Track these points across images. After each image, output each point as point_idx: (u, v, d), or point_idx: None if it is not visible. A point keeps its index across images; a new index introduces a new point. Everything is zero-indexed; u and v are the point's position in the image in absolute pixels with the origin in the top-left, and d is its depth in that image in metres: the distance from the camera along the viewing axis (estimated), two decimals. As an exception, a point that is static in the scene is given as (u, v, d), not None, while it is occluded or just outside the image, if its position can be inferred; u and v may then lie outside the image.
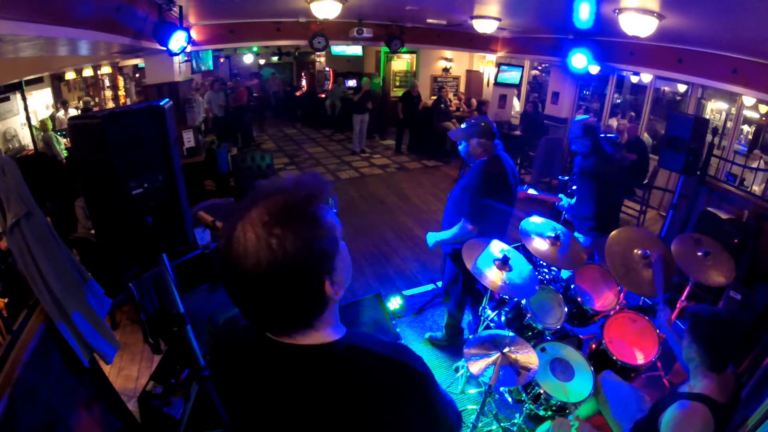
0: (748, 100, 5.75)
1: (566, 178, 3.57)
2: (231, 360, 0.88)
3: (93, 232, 2.87)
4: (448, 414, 0.91)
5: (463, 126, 2.76)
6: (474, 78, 10.97)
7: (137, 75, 10.28)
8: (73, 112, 7.40)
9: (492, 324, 2.82)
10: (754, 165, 5.99)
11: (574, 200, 3.38)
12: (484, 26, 6.01)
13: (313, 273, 0.74)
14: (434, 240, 2.90)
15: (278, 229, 0.69)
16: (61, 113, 7.33)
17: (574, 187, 3.39)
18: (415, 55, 11.66)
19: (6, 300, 1.94)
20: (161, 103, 1.79)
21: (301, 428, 0.79)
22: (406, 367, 0.82)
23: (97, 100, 9.02)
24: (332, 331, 0.81)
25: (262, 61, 14.28)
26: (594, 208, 3.18)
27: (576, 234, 3.02)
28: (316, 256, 0.73)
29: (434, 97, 9.76)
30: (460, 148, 2.78)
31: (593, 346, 2.66)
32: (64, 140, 6.34)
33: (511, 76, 8.76)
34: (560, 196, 3.63)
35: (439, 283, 4.04)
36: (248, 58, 13.97)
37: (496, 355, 2.18)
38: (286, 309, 0.75)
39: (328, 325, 0.81)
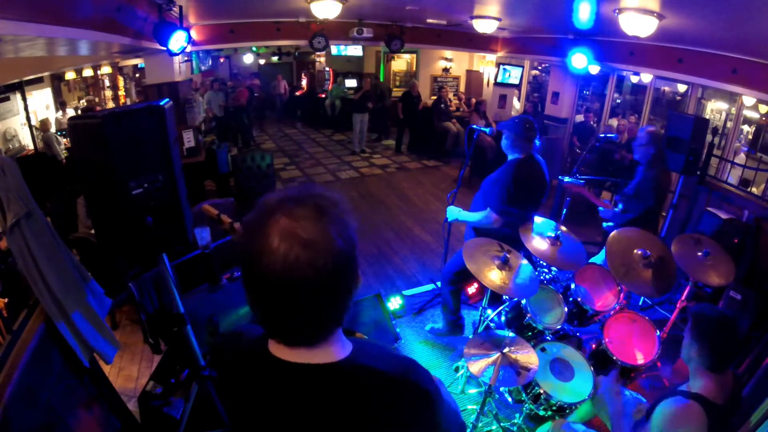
0: (748, 100, 5.75)
1: (623, 182, 3.45)
2: (236, 379, 0.88)
3: (93, 231, 2.87)
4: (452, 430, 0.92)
5: (508, 120, 2.86)
6: (474, 78, 10.97)
7: (137, 75, 10.29)
8: (71, 112, 7.40)
9: (492, 324, 2.82)
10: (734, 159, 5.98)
11: (619, 208, 3.30)
12: (484, 26, 6.01)
13: (356, 270, 0.76)
14: (455, 216, 3.03)
15: (334, 228, 0.70)
16: (59, 114, 7.33)
17: (624, 198, 3.31)
18: (415, 55, 11.67)
19: (6, 300, 1.94)
20: (161, 103, 1.78)
21: None
22: (415, 386, 0.82)
23: (97, 100, 9.02)
24: (341, 347, 0.80)
25: (262, 61, 14.28)
26: (641, 220, 3.08)
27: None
28: (355, 255, 0.75)
29: (434, 97, 9.76)
30: (503, 143, 2.87)
31: (593, 346, 2.67)
32: (64, 140, 6.34)
33: (511, 76, 8.76)
34: (606, 201, 3.50)
35: (439, 283, 4.04)
36: (248, 58, 13.97)
37: (496, 355, 2.18)
38: (328, 313, 0.75)
39: (338, 339, 0.81)
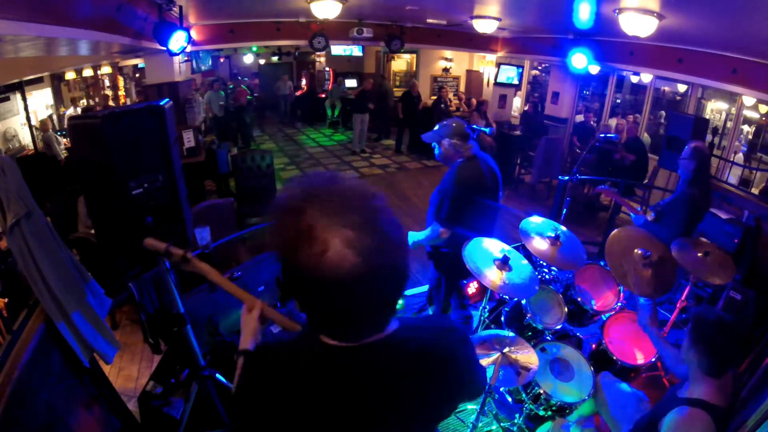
0: (748, 100, 5.75)
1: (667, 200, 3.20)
2: (292, 381, 0.81)
3: (93, 231, 2.87)
4: (481, 371, 1.04)
5: (435, 128, 2.66)
6: (474, 78, 10.97)
7: (137, 75, 10.29)
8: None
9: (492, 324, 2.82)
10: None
11: (650, 217, 3.18)
12: (484, 26, 6.02)
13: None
14: (412, 240, 2.77)
15: (390, 220, 0.73)
16: (70, 110, 7.38)
17: (658, 209, 3.18)
18: (415, 55, 11.67)
19: (6, 300, 1.94)
20: (161, 103, 1.79)
21: (394, 417, 0.83)
22: (456, 330, 0.93)
23: (97, 99, 9.03)
24: (392, 324, 0.85)
25: (262, 61, 14.28)
26: (673, 237, 2.89)
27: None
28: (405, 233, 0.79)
29: (434, 97, 9.76)
30: (435, 152, 2.69)
31: (593, 346, 2.67)
32: (64, 140, 6.34)
33: (511, 76, 8.76)
34: (638, 207, 3.32)
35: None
36: (248, 58, 13.97)
37: (496, 355, 2.18)
38: (397, 299, 0.78)
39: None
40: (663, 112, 7.79)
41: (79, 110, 7.44)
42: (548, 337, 2.59)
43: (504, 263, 2.31)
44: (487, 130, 3.21)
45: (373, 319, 0.77)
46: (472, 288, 3.72)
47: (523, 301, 2.66)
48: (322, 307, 0.74)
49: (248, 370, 0.86)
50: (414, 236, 2.81)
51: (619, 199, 3.45)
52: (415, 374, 0.82)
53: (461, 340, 0.92)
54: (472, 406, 2.69)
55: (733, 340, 1.54)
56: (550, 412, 2.33)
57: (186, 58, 6.27)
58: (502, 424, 2.52)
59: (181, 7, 4.34)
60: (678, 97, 7.79)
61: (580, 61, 5.54)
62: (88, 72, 8.64)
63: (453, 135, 2.57)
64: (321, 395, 0.79)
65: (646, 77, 7.18)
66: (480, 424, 2.43)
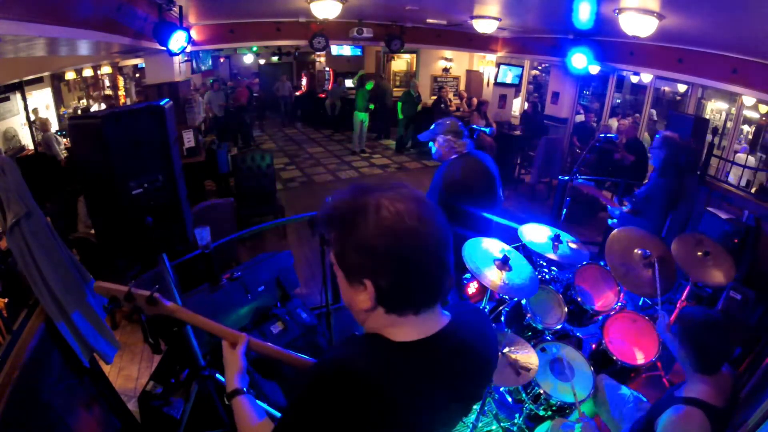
0: (748, 100, 5.75)
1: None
2: (394, 378, 0.80)
3: (93, 231, 2.87)
4: None
5: (431, 127, 2.73)
6: (474, 78, 10.97)
7: (137, 75, 10.28)
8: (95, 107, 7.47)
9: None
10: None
11: (626, 208, 3.22)
12: (484, 26, 6.01)
13: None
14: None
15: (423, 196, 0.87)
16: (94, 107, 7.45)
17: (633, 200, 3.22)
18: (415, 55, 11.67)
19: (6, 300, 1.94)
20: (161, 103, 1.78)
21: (458, 402, 0.91)
22: (481, 311, 1.08)
23: (97, 98, 9.03)
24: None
25: (262, 61, 14.28)
26: (653, 227, 2.97)
27: None
28: None
29: (434, 97, 9.75)
30: (432, 150, 2.75)
31: (593, 346, 2.66)
32: (64, 140, 6.34)
33: (511, 76, 8.76)
34: (614, 199, 3.40)
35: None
36: (248, 58, 13.98)
37: (496, 355, 2.18)
38: (451, 259, 0.86)
39: None
40: (654, 111, 7.76)
41: (86, 107, 7.48)
42: (548, 337, 2.59)
43: (504, 263, 2.31)
44: (487, 130, 3.22)
45: (439, 279, 0.82)
46: (472, 288, 3.73)
47: (523, 301, 2.65)
48: (394, 272, 0.79)
49: (334, 393, 0.76)
50: None
51: (593, 191, 3.47)
52: (471, 360, 0.89)
53: (488, 320, 1.04)
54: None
55: (722, 337, 1.53)
56: (550, 412, 2.33)
57: (186, 58, 6.27)
58: (502, 424, 2.52)
59: (181, 7, 4.34)
60: (678, 97, 7.79)
61: (580, 61, 5.54)
62: (88, 72, 8.64)
63: (447, 132, 2.64)
64: (405, 394, 0.80)
65: (646, 77, 7.18)
66: (480, 424, 2.43)
